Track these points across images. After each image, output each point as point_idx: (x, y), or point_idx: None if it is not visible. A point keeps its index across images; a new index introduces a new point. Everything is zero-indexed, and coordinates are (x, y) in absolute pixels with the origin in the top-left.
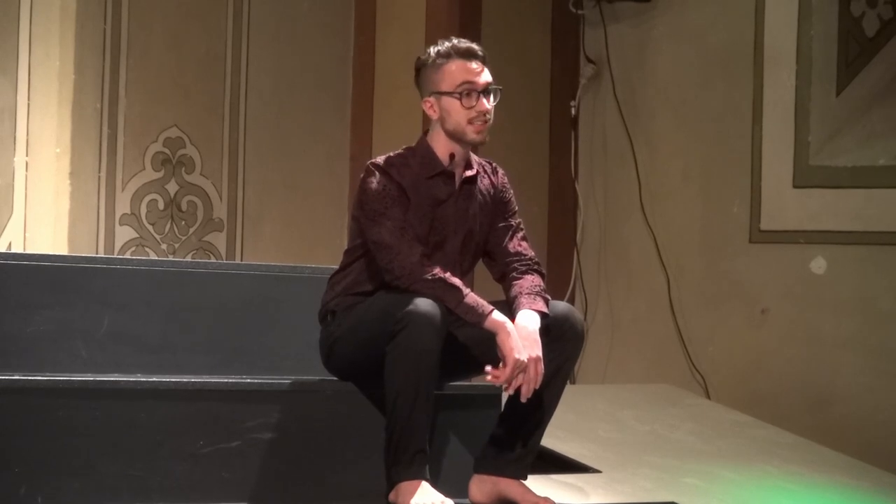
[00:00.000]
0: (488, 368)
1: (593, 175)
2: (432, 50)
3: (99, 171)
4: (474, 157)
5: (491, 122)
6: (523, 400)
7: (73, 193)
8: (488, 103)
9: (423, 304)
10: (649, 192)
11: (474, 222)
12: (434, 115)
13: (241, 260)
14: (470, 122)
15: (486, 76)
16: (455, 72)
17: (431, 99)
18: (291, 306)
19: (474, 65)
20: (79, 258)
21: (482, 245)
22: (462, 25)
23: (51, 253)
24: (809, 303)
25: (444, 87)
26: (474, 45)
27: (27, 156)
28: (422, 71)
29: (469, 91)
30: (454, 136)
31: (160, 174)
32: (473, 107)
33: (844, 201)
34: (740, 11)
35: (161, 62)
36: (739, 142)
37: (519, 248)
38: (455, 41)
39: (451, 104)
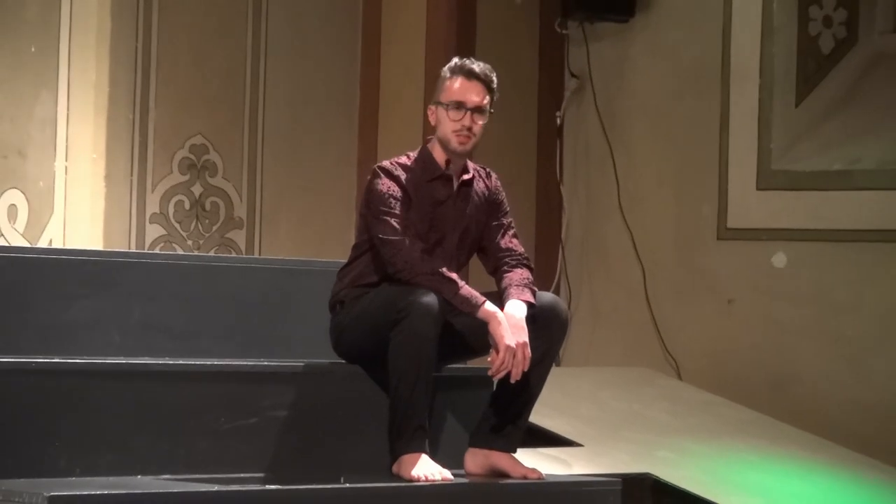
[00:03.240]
0: (490, 359)
1: (577, 178)
2: (448, 65)
3: (131, 175)
4: (470, 163)
5: (476, 137)
6: (512, 381)
7: (107, 195)
8: (474, 121)
9: (423, 295)
10: (627, 194)
11: (470, 221)
12: (432, 121)
13: (260, 255)
14: (454, 132)
15: (477, 97)
16: (453, 87)
17: (433, 107)
18: (304, 297)
19: (472, 83)
20: (113, 253)
21: (477, 242)
22: (458, 43)
23: (88, 248)
24: (772, 294)
25: (442, 98)
26: (478, 68)
27: (66, 161)
28: (437, 82)
29: (458, 106)
30: (441, 143)
31: (186, 177)
32: (458, 120)
33: (803, 202)
34: (710, 31)
35: (187, 77)
36: (708, 148)
37: (510, 245)
38: (468, 61)
39: (443, 114)
